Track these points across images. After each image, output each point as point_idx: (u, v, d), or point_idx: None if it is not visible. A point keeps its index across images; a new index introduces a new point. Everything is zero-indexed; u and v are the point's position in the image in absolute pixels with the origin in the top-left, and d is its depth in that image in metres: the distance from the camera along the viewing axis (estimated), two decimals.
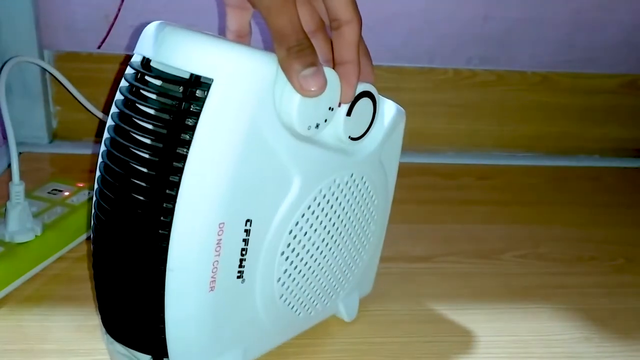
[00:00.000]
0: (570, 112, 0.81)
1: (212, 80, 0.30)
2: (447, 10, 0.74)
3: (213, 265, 0.33)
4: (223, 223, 0.32)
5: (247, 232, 0.34)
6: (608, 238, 0.62)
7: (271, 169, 0.33)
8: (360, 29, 0.34)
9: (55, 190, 0.56)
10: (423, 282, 0.53)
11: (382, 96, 0.41)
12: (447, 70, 0.77)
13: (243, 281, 0.35)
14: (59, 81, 0.65)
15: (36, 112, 0.72)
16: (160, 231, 0.31)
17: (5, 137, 0.66)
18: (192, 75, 0.30)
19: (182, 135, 0.31)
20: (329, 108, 0.35)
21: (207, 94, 0.30)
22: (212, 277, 0.33)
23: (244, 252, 0.34)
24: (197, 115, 0.30)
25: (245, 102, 0.31)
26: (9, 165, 0.65)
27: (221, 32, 0.40)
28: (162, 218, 0.31)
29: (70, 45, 0.71)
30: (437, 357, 0.44)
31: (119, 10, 0.69)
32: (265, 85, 0.32)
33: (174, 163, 0.31)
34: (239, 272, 0.35)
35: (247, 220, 0.33)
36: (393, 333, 0.46)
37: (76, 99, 0.68)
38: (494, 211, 0.67)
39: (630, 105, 0.82)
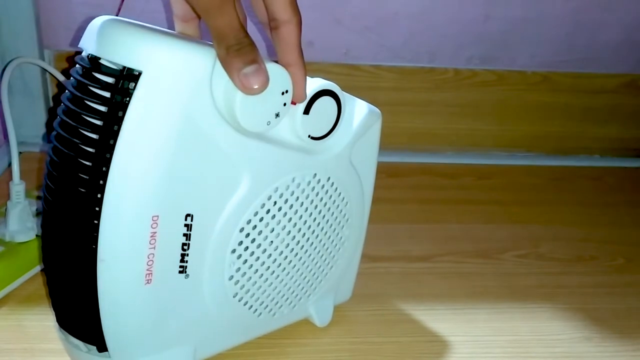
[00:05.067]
0: (571, 112, 0.81)
1: (141, 72, 0.30)
2: (448, 10, 0.74)
3: (147, 257, 0.32)
4: (157, 216, 0.32)
5: (188, 226, 0.33)
6: (608, 238, 0.62)
7: (214, 164, 0.33)
8: (300, 29, 0.33)
9: None
10: (423, 282, 0.53)
11: (357, 97, 0.40)
12: (447, 70, 0.77)
13: (187, 276, 0.35)
14: (59, 81, 0.65)
15: (36, 111, 0.72)
16: (94, 221, 0.31)
17: (5, 137, 0.66)
18: (124, 67, 0.30)
19: (115, 126, 0.31)
20: (282, 92, 0.33)
21: (135, 85, 0.30)
22: (147, 270, 0.33)
23: (185, 247, 0.34)
24: (127, 107, 0.30)
25: (175, 94, 0.30)
26: (10, 165, 0.65)
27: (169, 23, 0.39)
28: (96, 208, 0.31)
29: (70, 45, 0.71)
30: (437, 357, 0.44)
31: (119, 10, 0.69)
32: (199, 78, 0.31)
33: (107, 154, 0.31)
34: (181, 266, 0.34)
35: (188, 215, 0.33)
36: (393, 333, 0.46)
37: None
38: (494, 211, 0.67)
39: (630, 105, 0.82)
